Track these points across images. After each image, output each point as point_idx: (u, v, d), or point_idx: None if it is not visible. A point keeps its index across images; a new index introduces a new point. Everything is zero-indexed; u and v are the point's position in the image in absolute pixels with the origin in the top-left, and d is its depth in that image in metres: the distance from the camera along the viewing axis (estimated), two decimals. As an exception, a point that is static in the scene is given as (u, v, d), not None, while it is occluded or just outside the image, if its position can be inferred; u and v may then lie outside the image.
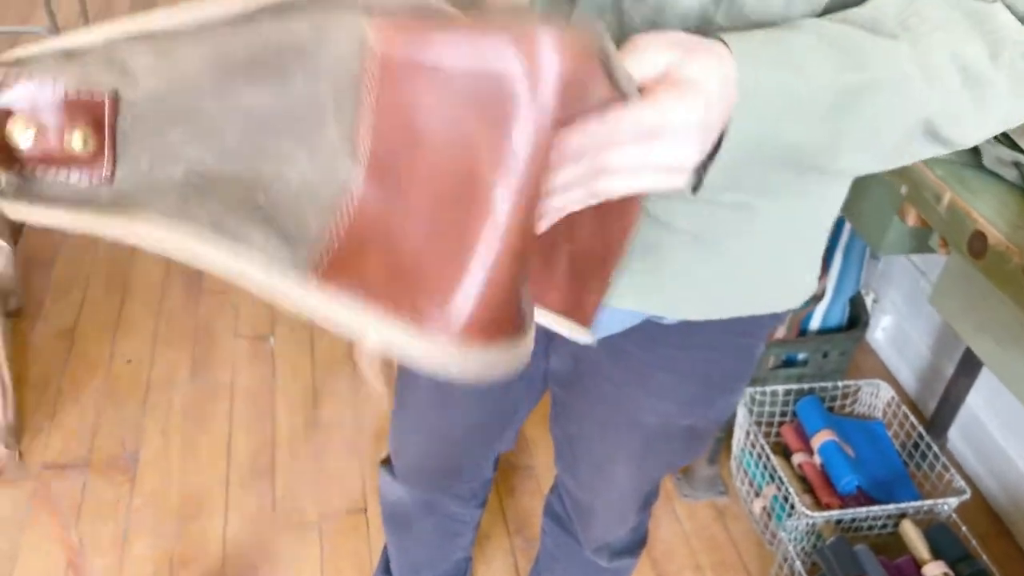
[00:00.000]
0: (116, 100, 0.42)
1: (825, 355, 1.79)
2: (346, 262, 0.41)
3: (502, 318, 0.42)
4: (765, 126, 0.53)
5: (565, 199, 0.50)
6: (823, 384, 1.77)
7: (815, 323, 1.79)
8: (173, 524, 1.58)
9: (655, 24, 0.61)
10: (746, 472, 1.72)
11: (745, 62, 0.51)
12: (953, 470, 1.61)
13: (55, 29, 2.70)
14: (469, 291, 0.40)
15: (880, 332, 2.08)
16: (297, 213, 0.42)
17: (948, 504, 1.56)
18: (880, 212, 1.10)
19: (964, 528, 1.50)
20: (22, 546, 1.51)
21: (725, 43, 0.52)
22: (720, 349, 0.84)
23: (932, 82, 0.56)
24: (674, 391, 0.87)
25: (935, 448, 1.64)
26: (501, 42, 0.37)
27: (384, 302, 0.41)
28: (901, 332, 2.03)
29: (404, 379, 1.01)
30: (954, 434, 1.82)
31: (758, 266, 0.75)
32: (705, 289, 0.75)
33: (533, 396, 1.03)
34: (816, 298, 1.74)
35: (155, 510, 1.60)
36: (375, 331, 0.41)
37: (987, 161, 0.98)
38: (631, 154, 0.49)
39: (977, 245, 0.92)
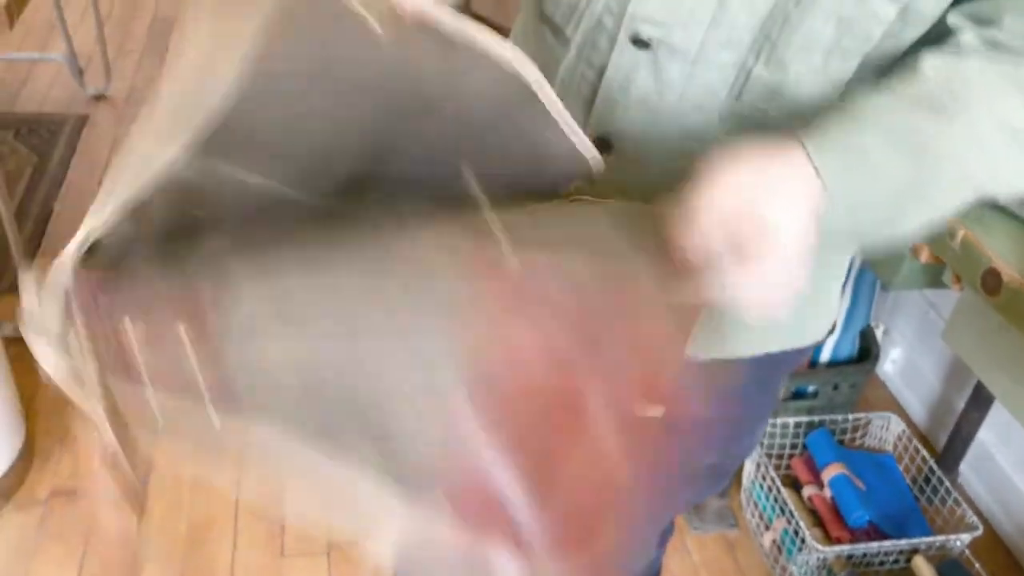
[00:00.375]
0: None
1: (835, 387, 1.79)
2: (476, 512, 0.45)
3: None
4: (838, 225, 0.56)
5: None
6: (833, 417, 1.77)
7: (825, 355, 1.79)
8: (181, 551, 1.57)
9: (692, 76, 0.62)
10: (756, 505, 1.71)
11: (826, 172, 0.54)
12: (965, 505, 1.60)
13: (72, 56, 2.73)
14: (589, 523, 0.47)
15: (890, 364, 2.08)
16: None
17: (961, 540, 1.55)
18: (893, 248, 1.10)
19: (977, 565, 1.49)
20: (31, 573, 1.50)
21: (804, 147, 0.55)
22: (744, 387, 0.84)
23: (986, 153, 0.57)
24: (697, 431, 0.87)
25: (947, 483, 1.63)
26: None
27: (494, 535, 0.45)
28: (911, 365, 2.03)
29: None
30: (966, 469, 1.81)
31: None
32: (731, 326, 0.75)
33: None
34: (827, 331, 1.74)
35: (164, 537, 1.60)
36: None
37: (1004, 200, 0.99)
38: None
39: (991, 282, 0.92)
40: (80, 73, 2.78)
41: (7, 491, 1.60)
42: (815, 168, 0.54)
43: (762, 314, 0.54)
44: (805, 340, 0.81)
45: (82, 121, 2.67)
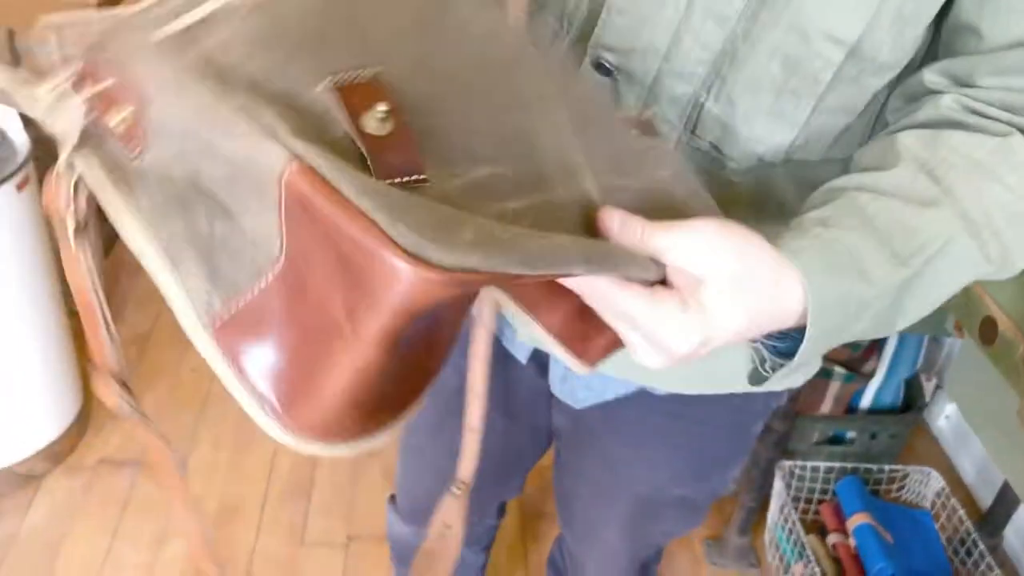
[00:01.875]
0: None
1: (873, 436, 1.74)
2: (238, 330, 0.44)
3: (341, 428, 0.45)
4: (832, 331, 0.53)
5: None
6: (868, 466, 1.72)
7: (865, 401, 1.75)
8: (207, 530, 1.65)
9: (647, 105, 0.64)
10: (778, 547, 1.67)
11: (816, 280, 0.50)
12: (998, 570, 1.53)
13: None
14: (313, 406, 0.43)
15: (943, 420, 2.00)
16: (232, 261, 0.43)
17: (987, 606, 1.48)
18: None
19: (1000, 633, 1.42)
20: (69, 533, 1.60)
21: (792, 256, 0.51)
22: (714, 424, 0.84)
23: (980, 236, 0.55)
24: (666, 461, 0.88)
25: (982, 546, 1.56)
26: (367, 248, 0.37)
27: (252, 381, 0.44)
28: (965, 421, 1.95)
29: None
30: (1010, 533, 1.73)
31: (746, 351, 0.75)
32: (696, 362, 0.75)
33: (539, 446, 1.04)
34: (865, 375, 1.69)
35: (193, 514, 1.67)
36: (240, 400, 0.45)
37: (1011, 247, 0.96)
38: (618, 320, 0.50)
39: (987, 331, 0.90)
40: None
41: (59, 455, 1.71)
42: (800, 272, 0.50)
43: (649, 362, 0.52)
44: (775, 385, 0.80)
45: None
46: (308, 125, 0.39)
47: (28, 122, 1.51)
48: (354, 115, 0.39)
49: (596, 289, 0.48)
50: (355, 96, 0.40)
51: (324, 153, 0.37)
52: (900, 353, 1.70)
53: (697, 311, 0.47)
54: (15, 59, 2.75)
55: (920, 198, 0.55)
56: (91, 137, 0.43)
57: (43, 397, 1.64)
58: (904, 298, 0.54)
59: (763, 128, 0.62)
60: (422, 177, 0.40)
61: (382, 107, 0.39)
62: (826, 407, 1.71)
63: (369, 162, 0.39)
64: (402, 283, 0.36)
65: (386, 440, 0.49)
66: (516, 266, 0.38)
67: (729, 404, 0.80)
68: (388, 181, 0.39)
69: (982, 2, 0.57)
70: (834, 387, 1.68)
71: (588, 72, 0.65)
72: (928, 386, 1.81)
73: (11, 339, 1.52)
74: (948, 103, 0.59)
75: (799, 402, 1.61)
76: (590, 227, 0.48)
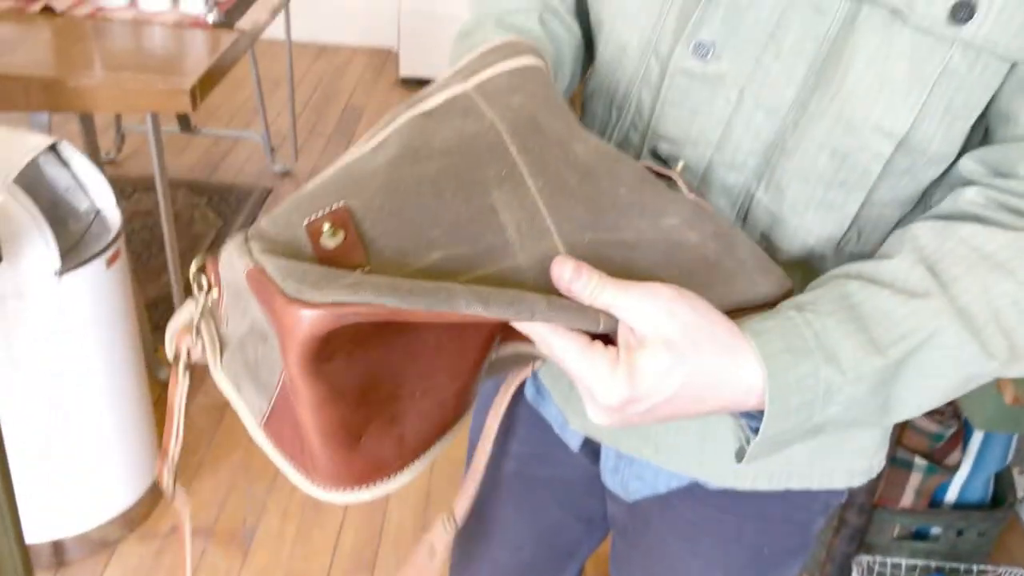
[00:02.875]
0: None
1: (960, 533, 1.65)
2: (276, 419, 0.52)
3: (348, 473, 0.52)
4: (799, 418, 0.51)
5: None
6: (955, 565, 1.62)
7: (951, 496, 1.66)
8: (273, 602, 1.66)
9: (699, 194, 0.63)
10: (857, 648, 1.59)
11: (775, 362, 0.50)
12: None
13: (267, 136, 3.04)
14: (314, 455, 0.51)
15: (1039, 516, 1.89)
16: (268, 371, 0.50)
17: None
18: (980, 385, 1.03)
19: None
20: (138, 600, 1.63)
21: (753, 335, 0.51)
22: (770, 521, 0.82)
23: (980, 332, 0.52)
24: (721, 558, 0.85)
25: (1081, 657, 1.45)
26: (275, 316, 0.45)
27: (291, 458, 0.53)
28: (1062, 520, 1.83)
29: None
30: (1114, 646, 1.60)
31: (803, 444, 0.73)
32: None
33: (595, 537, 1.02)
34: (948, 468, 1.61)
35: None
36: (287, 475, 0.54)
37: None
38: (561, 361, 0.51)
39: (1070, 433, 0.85)
40: (272, 151, 3.08)
41: (133, 521, 1.75)
42: (758, 355, 0.50)
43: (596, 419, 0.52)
44: (828, 482, 0.77)
45: (266, 193, 2.95)
46: (284, 249, 0.47)
47: (120, 199, 1.59)
48: (315, 238, 0.47)
49: (534, 332, 0.50)
50: (318, 224, 0.48)
51: (274, 258, 0.45)
52: (988, 445, 1.62)
53: (626, 369, 0.48)
54: (121, 140, 2.90)
55: (912, 289, 0.53)
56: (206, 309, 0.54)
57: (121, 465, 1.69)
58: (891, 388, 0.52)
59: (813, 219, 0.62)
60: (366, 270, 0.47)
61: (328, 226, 0.47)
62: (907, 500, 1.63)
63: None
64: (288, 319, 0.44)
65: (404, 482, 0.55)
66: (388, 299, 0.44)
67: (786, 500, 0.78)
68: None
69: (1018, 89, 0.55)
70: (915, 479, 1.61)
71: (646, 160, 0.66)
72: (1021, 480, 1.71)
73: (94, 408, 1.58)
74: (971, 196, 0.57)
75: (877, 494, 1.54)
76: (549, 280, 0.51)
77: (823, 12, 0.56)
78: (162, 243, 1.97)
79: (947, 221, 0.56)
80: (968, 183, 0.59)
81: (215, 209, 2.83)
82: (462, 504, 0.75)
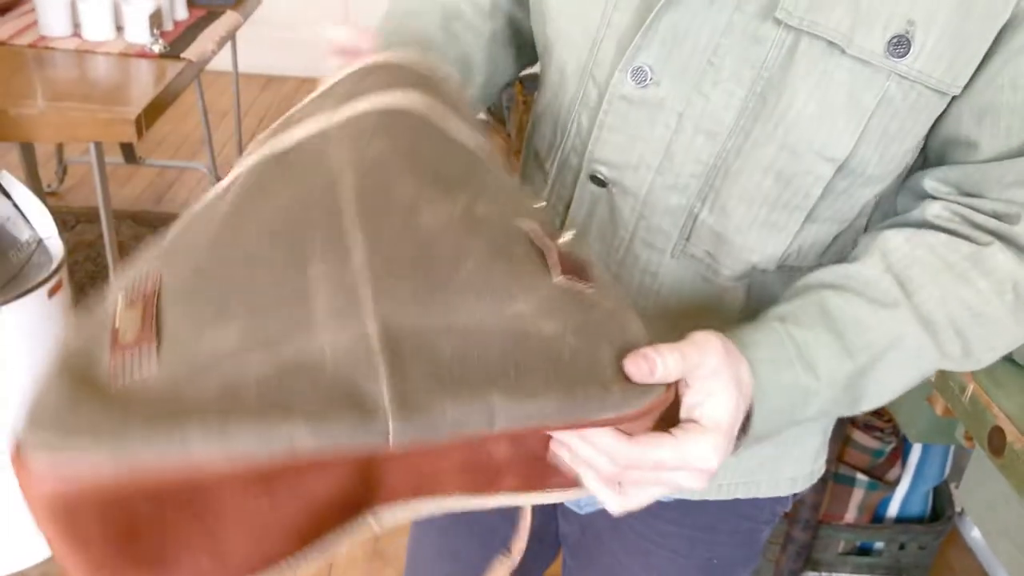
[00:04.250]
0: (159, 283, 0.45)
1: (902, 547, 1.69)
2: None
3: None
4: (783, 416, 0.58)
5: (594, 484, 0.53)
6: (897, 578, 1.66)
7: (892, 510, 1.70)
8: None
9: (642, 216, 0.66)
10: (805, 664, 1.61)
11: (761, 368, 0.56)
12: None
13: (213, 166, 3.02)
14: None
15: (978, 531, 1.94)
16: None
17: None
18: (911, 398, 1.07)
19: None
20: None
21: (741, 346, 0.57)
22: (719, 532, 0.83)
23: (937, 335, 0.59)
24: (672, 571, 0.86)
25: (1019, 665, 1.49)
26: None
27: None
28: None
29: (413, 532, 1.03)
30: (1051, 653, 1.65)
31: (758, 448, 0.75)
32: None
33: (547, 555, 1.03)
34: (888, 483, 1.65)
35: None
36: None
37: (1018, 355, 0.95)
38: (653, 477, 0.52)
39: (996, 441, 0.89)
40: (218, 181, 3.06)
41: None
42: (748, 362, 0.56)
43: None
44: (774, 489, 0.79)
45: (213, 224, 2.92)
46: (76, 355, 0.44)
47: (63, 231, 1.57)
48: (112, 326, 0.44)
49: (623, 456, 0.50)
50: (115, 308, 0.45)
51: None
52: (925, 461, 1.67)
53: (712, 430, 0.51)
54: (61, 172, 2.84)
55: (881, 299, 0.59)
56: None
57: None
58: (858, 386, 0.59)
59: (757, 238, 0.64)
60: (154, 346, 0.42)
61: (121, 302, 0.44)
62: (851, 516, 1.67)
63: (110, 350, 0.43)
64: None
65: None
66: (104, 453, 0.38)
67: (734, 510, 0.79)
68: (121, 355, 0.42)
69: (980, 118, 0.59)
70: (857, 495, 1.64)
71: (584, 184, 0.67)
72: (958, 495, 1.76)
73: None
74: (937, 211, 0.61)
75: (821, 511, 1.58)
76: (355, 368, 0.43)
77: (760, 41, 0.57)
78: (107, 274, 1.94)
79: (916, 229, 0.61)
80: (932, 199, 0.63)
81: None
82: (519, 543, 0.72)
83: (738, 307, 0.68)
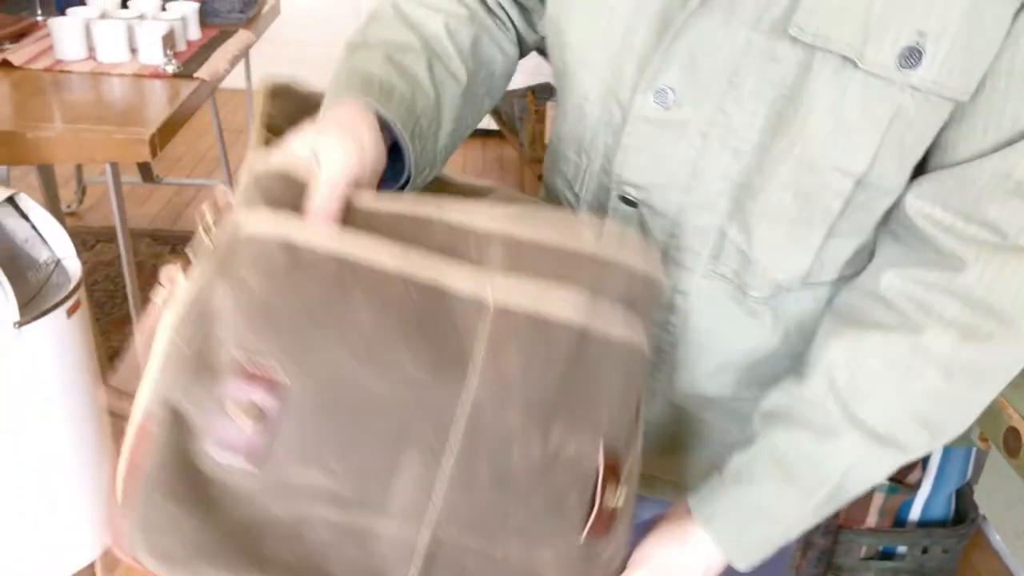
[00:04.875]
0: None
1: (925, 550, 1.67)
2: None
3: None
4: (761, 548, 0.66)
5: None
6: (921, 582, 1.64)
7: (914, 514, 1.68)
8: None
9: (673, 235, 0.66)
10: (829, 670, 1.60)
11: (725, 536, 0.65)
12: None
13: (230, 182, 3.05)
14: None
15: (1003, 532, 1.92)
16: None
17: None
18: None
19: None
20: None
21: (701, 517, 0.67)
22: None
23: (894, 441, 0.62)
24: None
25: (1048, 669, 1.47)
26: None
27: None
28: None
29: None
30: (1081, 656, 1.62)
31: None
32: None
33: None
34: (910, 486, 1.64)
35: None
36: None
37: (1033, 355, 0.94)
38: None
39: (1012, 442, 0.88)
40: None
41: (110, 565, 1.72)
42: (715, 541, 0.66)
43: None
44: None
45: (230, 240, 2.95)
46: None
47: (82, 251, 1.59)
48: (233, 399, 0.50)
49: None
50: (241, 396, 0.50)
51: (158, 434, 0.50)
52: (947, 463, 1.65)
53: None
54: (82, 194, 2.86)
55: (827, 427, 0.62)
56: None
57: (86, 518, 1.67)
58: (829, 506, 0.65)
59: (780, 255, 0.64)
60: (250, 467, 0.49)
61: (244, 405, 0.49)
62: (871, 520, 1.65)
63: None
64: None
65: None
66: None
67: None
68: (223, 457, 0.49)
69: (950, 121, 0.58)
70: (878, 499, 1.63)
71: (616, 205, 0.67)
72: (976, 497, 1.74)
73: (55, 460, 1.56)
74: (888, 281, 0.63)
75: (841, 515, 1.56)
76: (395, 560, 0.52)
77: (778, 60, 0.57)
78: (125, 293, 1.96)
79: (857, 331, 0.63)
80: (887, 268, 0.63)
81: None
82: None
83: (768, 329, 0.68)
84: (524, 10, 0.76)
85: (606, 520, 0.58)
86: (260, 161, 0.55)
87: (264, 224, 0.52)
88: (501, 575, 0.54)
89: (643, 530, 0.82)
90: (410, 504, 0.51)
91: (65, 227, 1.60)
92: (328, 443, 0.50)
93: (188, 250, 0.55)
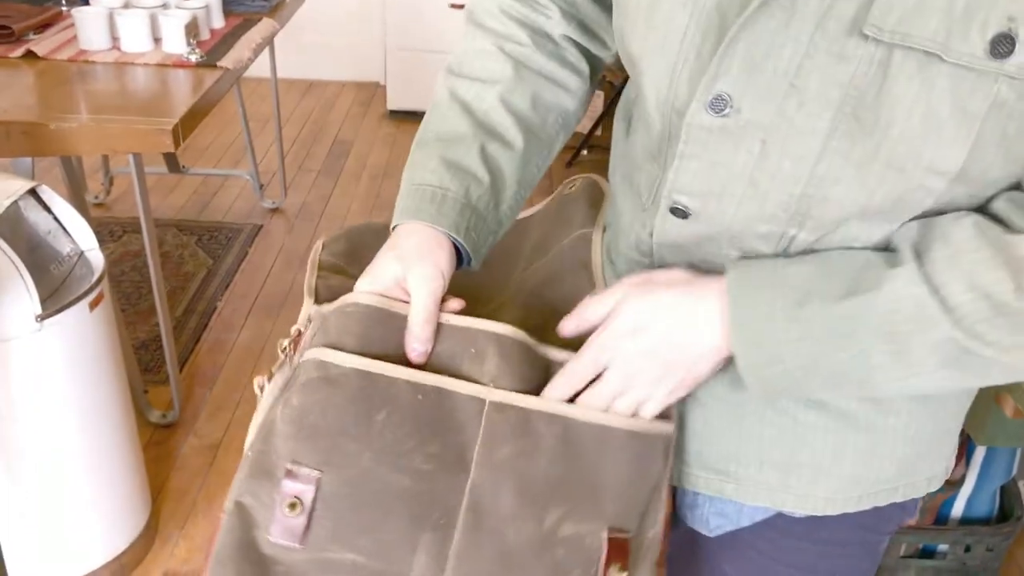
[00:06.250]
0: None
1: (967, 549, 1.62)
2: None
3: None
4: (768, 348, 0.60)
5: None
6: (964, 581, 1.59)
7: (957, 511, 1.63)
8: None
9: (731, 242, 0.64)
10: (868, 672, 1.55)
11: (737, 289, 0.61)
12: None
13: (256, 173, 3.03)
14: None
15: (1048, 529, 1.85)
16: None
17: None
18: (977, 399, 1.01)
19: None
20: (132, 649, 1.59)
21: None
22: (847, 544, 0.79)
23: (946, 303, 0.55)
24: None
25: (1098, 674, 1.41)
26: None
27: None
28: (1071, 532, 1.80)
29: None
30: None
31: (892, 455, 0.72)
32: (837, 479, 0.72)
33: None
34: (952, 483, 1.59)
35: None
36: None
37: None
38: (620, 353, 0.64)
39: (1071, 444, 0.83)
40: (261, 188, 3.08)
41: (126, 567, 1.72)
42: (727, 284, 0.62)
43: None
44: (910, 492, 0.75)
45: (256, 230, 2.94)
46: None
47: (109, 241, 1.57)
48: (281, 503, 0.61)
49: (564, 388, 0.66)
50: (288, 495, 0.61)
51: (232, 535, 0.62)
52: (992, 458, 1.59)
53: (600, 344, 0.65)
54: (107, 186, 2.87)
55: (893, 258, 0.58)
56: None
57: (111, 510, 1.66)
58: (850, 346, 0.58)
59: (861, 233, 0.61)
60: (297, 546, 0.61)
61: (290, 500, 0.61)
62: (912, 517, 1.60)
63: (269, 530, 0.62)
64: None
65: None
66: None
67: (860, 522, 0.75)
68: (276, 540, 0.61)
69: None
70: (919, 496, 1.58)
71: (665, 216, 0.66)
72: (1026, 493, 1.68)
73: (80, 453, 1.55)
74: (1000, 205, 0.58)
75: (881, 513, 1.51)
76: None
77: (846, 59, 0.54)
78: (152, 284, 1.95)
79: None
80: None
81: (205, 248, 2.82)
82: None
83: None
84: (591, 33, 0.78)
85: None
86: (353, 296, 0.66)
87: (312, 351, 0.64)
88: None
89: (730, 537, 0.79)
90: (428, 573, 0.61)
91: (89, 219, 1.59)
92: (357, 527, 0.60)
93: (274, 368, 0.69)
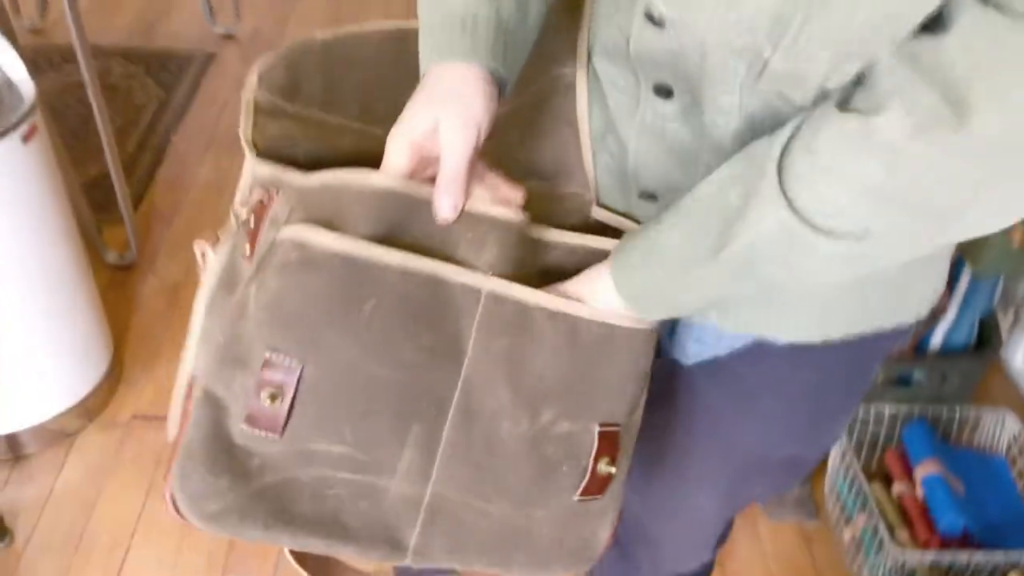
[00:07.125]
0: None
1: (944, 378, 1.62)
2: None
3: None
4: (668, 306, 0.63)
5: None
6: (938, 408, 1.60)
7: (936, 341, 1.62)
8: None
9: (703, 55, 0.58)
10: (839, 497, 1.58)
11: (619, 275, 0.63)
12: (1081, 521, 1.42)
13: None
14: None
15: (1021, 358, 1.86)
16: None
17: (1069, 560, 1.37)
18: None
19: (1083, 591, 1.31)
20: (104, 493, 1.58)
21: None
22: (833, 371, 0.76)
23: (812, 223, 0.54)
24: (781, 417, 0.79)
25: (1063, 494, 1.45)
26: None
27: None
28: (1044, 359, 1.81)
29: None
30: (1095, 480, 1.60)
31: (879, 278, 0.68)
32: (821, 305, 0.69)
33: None
34: (934, 314, 1.56)
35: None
36: None
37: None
38: None
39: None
40: (211, 12, 2.86)
41: (91, 411, 1.68)
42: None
43: None
44: (900, 318, 0.72)
45: (209, 59, 2.75)
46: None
47: (48, 68, 1.43)
48: (256, 390, 0.57)
49: None
50: (265, 382, 0.58)
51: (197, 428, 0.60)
52: (973, 290, 1.57)
53: None
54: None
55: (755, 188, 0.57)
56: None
57: (71, 353, 1.60)
58: (751, 277, 0.58)
59: (835, 71, 0.55)
60: (275, 437, 0.58)
61: (269, 391, 0.57)
62: (905, 343, 1.59)
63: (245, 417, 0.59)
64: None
65: None
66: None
67: (853, 347, 0.72)
68: (251, 431, 0.58)
69: None
70: (900, 327, 1.56)
71: (642, 25, 0.60)
72: (1005, 323, 1.67)
73: (32, 295, 1.47)
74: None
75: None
76: (402, 512, 0.62)
77: None
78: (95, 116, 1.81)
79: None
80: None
81: (155, 78, 2.64)
82: None
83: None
84: None
85: (600, 483, 0.64)
86: (374, 177, 0.59)
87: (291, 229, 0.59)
88: (496, 527, 0.63)
89: (712, 367, 0.77)
90: (415, 467, 0.60)
91: (18, 46, 1.44)
92: (341, 418, 0.58)
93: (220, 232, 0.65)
